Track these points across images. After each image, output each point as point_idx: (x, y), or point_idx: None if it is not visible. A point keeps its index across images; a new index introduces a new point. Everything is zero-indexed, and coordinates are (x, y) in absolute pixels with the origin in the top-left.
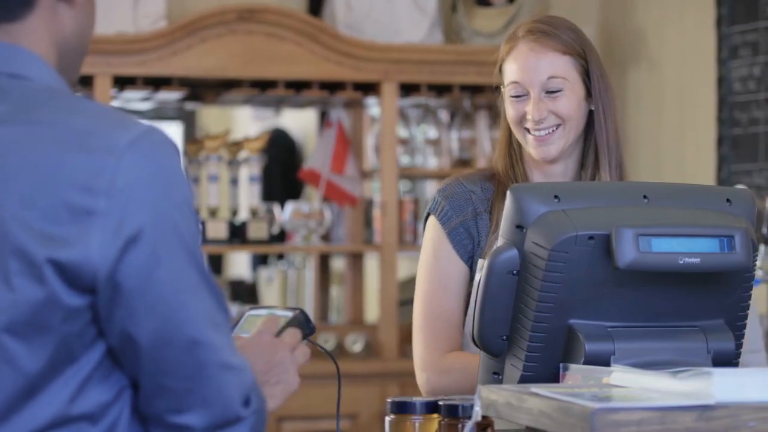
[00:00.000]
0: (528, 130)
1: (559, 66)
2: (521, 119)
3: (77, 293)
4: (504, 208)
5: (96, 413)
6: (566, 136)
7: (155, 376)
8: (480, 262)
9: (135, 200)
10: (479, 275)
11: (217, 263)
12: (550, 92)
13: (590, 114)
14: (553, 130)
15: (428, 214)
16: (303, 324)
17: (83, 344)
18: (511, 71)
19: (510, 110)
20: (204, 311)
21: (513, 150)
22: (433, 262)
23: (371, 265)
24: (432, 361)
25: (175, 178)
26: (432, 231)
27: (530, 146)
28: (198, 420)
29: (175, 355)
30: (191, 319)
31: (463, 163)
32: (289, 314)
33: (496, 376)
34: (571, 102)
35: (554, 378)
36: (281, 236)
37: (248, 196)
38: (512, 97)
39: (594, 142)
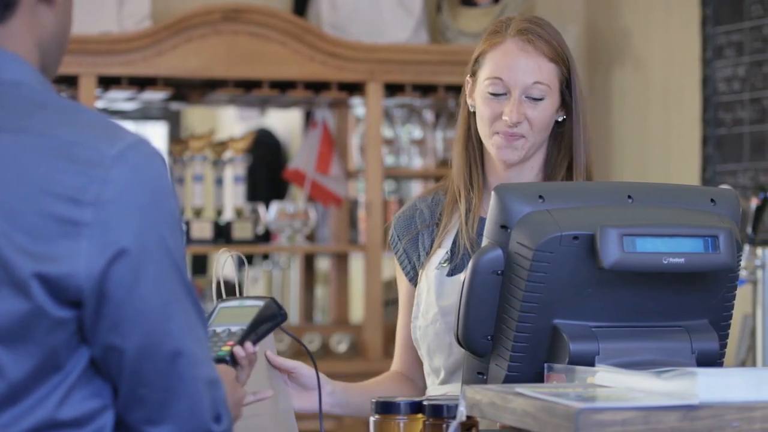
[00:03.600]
0: (496, 131)
1: (546, 72)
2: (495, 118)
3: (63, 306)
4: (462, 212)
5: (83, 420)
6: (529, 146)
7: (134, 387)
8: (423, 273)
9: (122, 212)
10: (463, 275)
11: (201, 263)
12: (530, 98)
13: (556, 123)
14: (519, 137)
15: None
16: (275, 312)
17: (69, 352)
18: (494, 66)
19: (484, 108)
20: (187, 324)
21: (471, 148)
22: (398, 282)
23: (356, 265)
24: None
25: (162, 191)
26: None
27: (495, 147)
28: None
29: (156, 366)
30: (175, 332)
31: (448, 163)
32: (260, 303)
33: (481, 376)
34: (548, 112)
35: (539, 378)
36: (266, 236)
37: (233, 196)
38: (490, 94)
39: (569, 152)
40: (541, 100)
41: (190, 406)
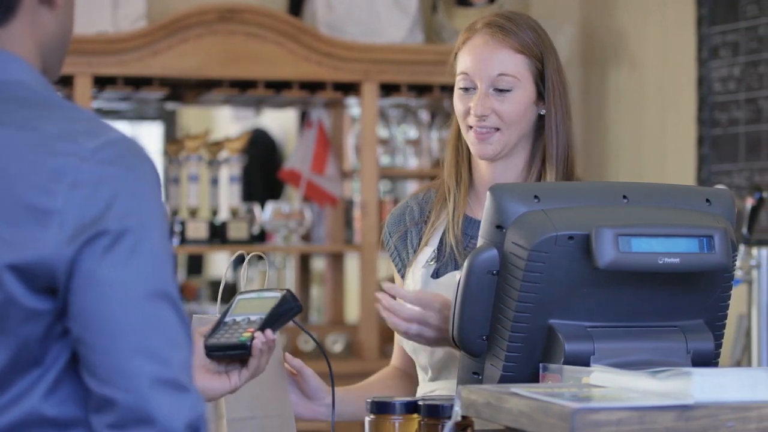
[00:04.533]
0: (470, 126)
1: (512, 64)
2: (466, 113)
3: (37, 295)
4: (450, 210)
5: (69, 423)
6: (505, 140)
7: (99, 386)
8: (410, 270)
9: (95, 201)
10: (458, 275)
11: (197, 263)
12: (499, 90)
13: (540, 117)
14: (492, 131)
15: None
16: (291, 304)
17: (46, 346)
18: (463, 62)
19: (457, 103)
20: (158, 323)
21: (460, 146)
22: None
23: (352, 265)
24: None
25: (139, 184)
26: None
27: (470, 142)
28: None
29: (117, 363)
30: (140, 327)
31: (440, 163)
32: (278, 295)
33: (476, 376)
34: (519, 105)
35: (534, 378)
36: (261, 236)
37: (228, 196)
38: (460, 89)
39: (543, 147)
40: (508, 91)
41: (158, 410)
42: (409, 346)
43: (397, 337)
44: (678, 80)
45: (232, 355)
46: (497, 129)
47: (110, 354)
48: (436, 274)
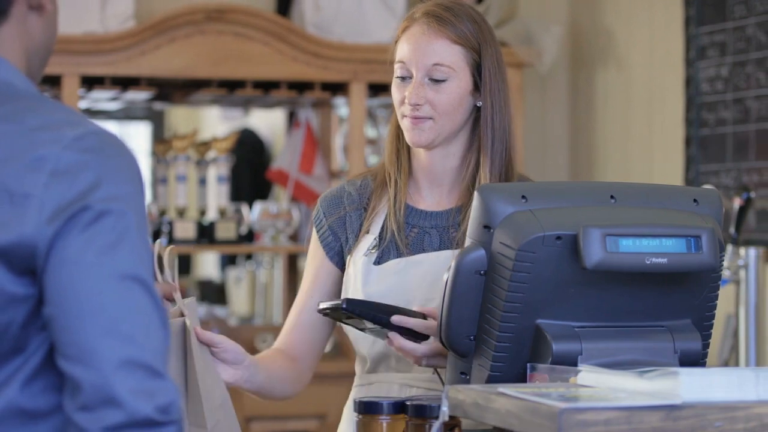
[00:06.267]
0: (405, 115)
1: (448, 55)
2: (402, 102)
3: (18, 278)
4: (391, 196)
5: (46, 413)
6: (438, 129)
7: (68, 366)
8: (351, 259)
9: (76, 185)
10: (446, 275)
11: (185, 263)
12: (433, 80)
13: (478, 109)
14: (425, 120)
15: None
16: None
17: (29, 333)
18: (400, 50)
19: (394, 92)
20: (131, 306)
21: (400, 135)
22: (308, 263)
23: None
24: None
25: (121, 173)
26: (312, 234)
27: (405, 130)
28: (106, 423)
29: (86, 342)
30: (111, 308)
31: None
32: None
33: (464, 376)
34: (452, 96)
35: (522, 378)
36: (249, 236)
37: (216, 196)
38: (397, 77)
39: (479, 139)
40: (443, 81)
41: (122, 393)
42: (352, 334)
43: (294, 317)
44: (666, 80)
45: (333, 315)
46: (430, 118)
47: (79, 333)
48: (378, 261)
